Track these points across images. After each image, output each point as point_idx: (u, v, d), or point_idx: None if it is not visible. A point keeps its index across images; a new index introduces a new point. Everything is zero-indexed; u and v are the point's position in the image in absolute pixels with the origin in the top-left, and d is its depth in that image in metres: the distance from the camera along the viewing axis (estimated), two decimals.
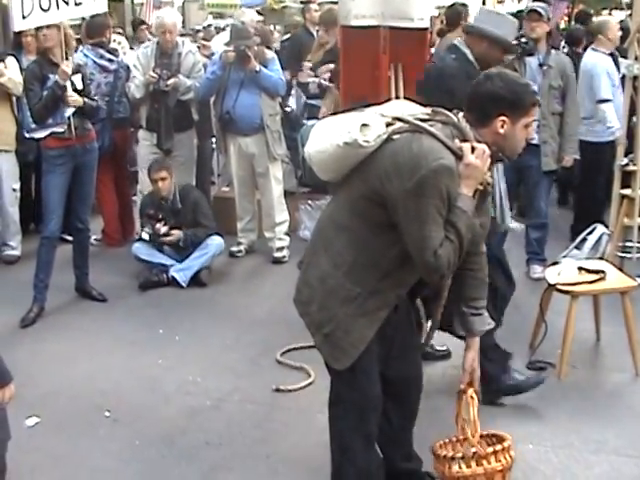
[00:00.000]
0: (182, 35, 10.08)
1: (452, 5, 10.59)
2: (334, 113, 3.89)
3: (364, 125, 3.37)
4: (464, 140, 3.39)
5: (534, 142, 7.08)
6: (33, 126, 7.11)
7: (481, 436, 3.86)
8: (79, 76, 6.88)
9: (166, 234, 7.69)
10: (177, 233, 7.68)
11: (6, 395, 3.51)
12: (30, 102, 6.86)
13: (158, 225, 7.72)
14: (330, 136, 3.46)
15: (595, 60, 8.20)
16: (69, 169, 6.87)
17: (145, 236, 7.74)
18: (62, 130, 6.77)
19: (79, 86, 6.85)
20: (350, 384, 3.68)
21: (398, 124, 3.43)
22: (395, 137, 3.41)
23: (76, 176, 6.96)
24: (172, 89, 8.20)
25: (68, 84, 6.67)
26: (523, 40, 7.06)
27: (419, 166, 3.25)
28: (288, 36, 12.39)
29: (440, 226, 3.32)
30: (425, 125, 3.38)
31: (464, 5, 10.66)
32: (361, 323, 3.56)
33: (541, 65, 7.28)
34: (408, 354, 3.97)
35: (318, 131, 3.57)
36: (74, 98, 6.70)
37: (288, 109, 9.13)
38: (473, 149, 3.37)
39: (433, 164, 3.25)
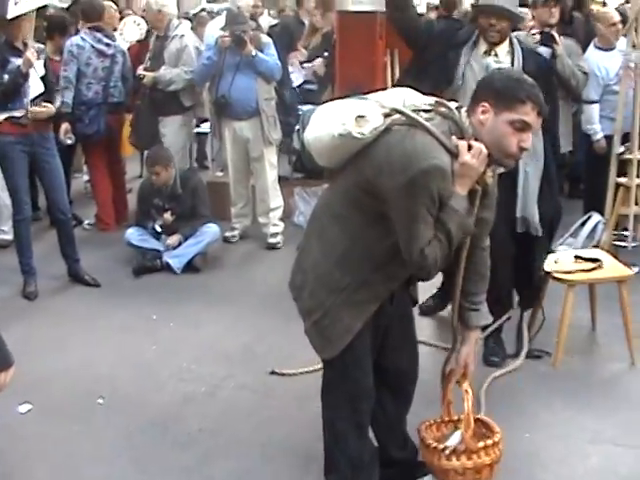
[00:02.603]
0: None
1: None
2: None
3: (360, 117, 3.32)
4: (462, 137, 3.34)
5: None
6: None
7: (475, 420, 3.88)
8: (41, 62, 6.84)
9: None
10: (177, 237, 7.67)
11: (7, 378, 3.46)
12: None
13: (166, 215, 7.70)
14: (327, 125, 3.41)
15: (588, 57, 8.08)
16: (27, 155, 6.81)
17: (158, 229, 7.74)
18: (20, 115, 6.70)
19: (40, 72, 6.80)
20: (342, 373, 3.65)
21: (396, 116, 3.36)
22: (392, 129, 3.35)
23: (39, 166, 6.96)
24: (151, 84, 8.30)
25: (32, 70, 6.62)
26: (546, 30, 7.05)
27: (410, 165, 3.19)
28: (276, 22, 12.34)
29: (429, 225, 3.27)
30: (422, 120, 3.30)
31: None
32: (348, 314, 3.53)
33: (553, 55, 7.16)
34: (404, 344, 3.94)
35: (317, 117, 3.53)
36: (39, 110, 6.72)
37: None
38: (470, 147, 3.30)
39: (424, 164, 3.18)
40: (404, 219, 3.27)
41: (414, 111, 3.37)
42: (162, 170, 7.57)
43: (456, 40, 5.40)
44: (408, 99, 3.50)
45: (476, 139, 3.31)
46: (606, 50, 7.81)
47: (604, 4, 13.11)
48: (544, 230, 5.50)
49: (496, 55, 5.34)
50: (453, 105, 3.45)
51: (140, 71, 8.46)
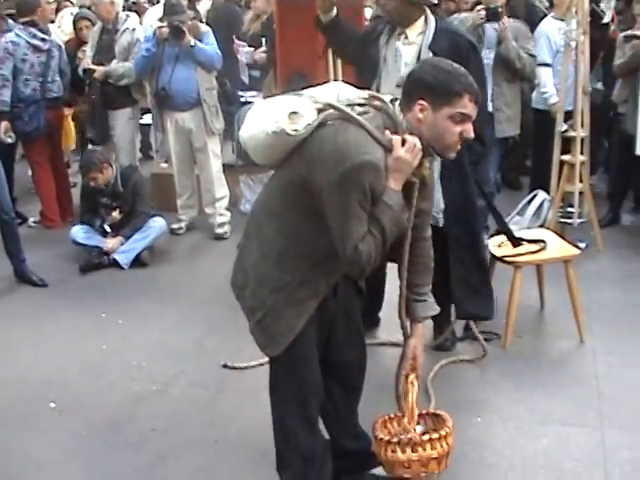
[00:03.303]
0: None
1: None
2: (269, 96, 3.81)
3: (294, 113, 3.30)
4: (396, 131, 3.33)
5: (488, 110, 7.11)
6: None
7: (423, 414, 3.90)
8: None
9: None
10: (118, 239, 7.59)
11: None
12: None
13: (114, 214, 7.64)
14: (261, 123, 3.38)
15: (542, 25, 8.17)
16: None
17: (107, 228, 7.66)
18: None
19: None
20: (288, 370, 3.64)
21: (330, 111, 3.35)
22: (326, 124, 3.33)
23: None
24: (103, 78, 8.24)
25: None
26: (492, 5, 7.05)
27: (342, 160, 3.17)
28: (209, 6, 12.26)
29: (362, 220, 3.26)
30: (355, 115, 3.28)
31: None
32: (290, 312, 3.51)
33: (497, 32, 7.20)
34: (351, 337, 3.93)
35: (251, 116, 3.50)
36: None
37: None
38: (404, 142, 3.29)
39: (356, 159, 3.16)
40: (337, 215, 3.25)
41: (348, 105, 3.36)
42: (97, 173, 7.49)
43: (375, 35, 5.40)
44: (342, 93, 3.49)
45: (410, 133, 3.30)
46: (562, 20, 7.87)
47: None
48: (460, 223, 5.31)
49: (406, 37, 5.31)
50: (387, 98, 3.43)
51: (89, 65, 8.37)
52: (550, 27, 8.01)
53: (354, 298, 3.92)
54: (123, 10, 9.42)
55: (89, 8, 9.46)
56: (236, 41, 9.76)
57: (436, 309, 3.90)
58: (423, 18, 5.30)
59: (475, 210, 5.47)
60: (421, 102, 3.27)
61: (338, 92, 3.49)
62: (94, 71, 8.35)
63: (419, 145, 3.28)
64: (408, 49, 5.26)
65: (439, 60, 3.45)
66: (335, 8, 5.58)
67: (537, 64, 7.93)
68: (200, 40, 7.86)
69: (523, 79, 7.60)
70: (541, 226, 6.66)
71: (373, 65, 5.27)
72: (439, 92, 3.26)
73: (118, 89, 8.45)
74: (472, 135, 3.35)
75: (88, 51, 8.56)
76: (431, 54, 5.08)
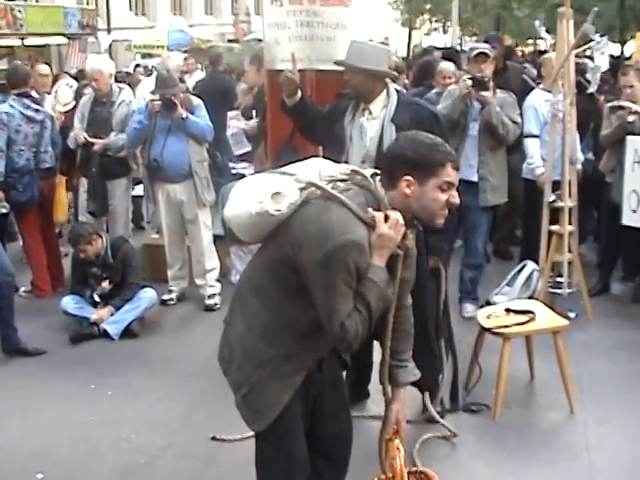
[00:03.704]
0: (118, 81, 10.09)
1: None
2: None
3: (276, 194, 3.35)
4: (378, 208, 3.37)
5: (473, 180, 7.16)
6: None
7: (410, 472, 3.89)
8: None
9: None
10: (107, 310, 7.56)
11: None
12: None
13: (104, 284, 7.64)
14: (244, 203, 3.44)
15: (530, 97, 8.29)
16: None
17: (97, 298, 7.65)
18: None
19: None
20: (274, 446, 3.64)
21: (312, 189, 3.40)
22: (309, 202, 3.39)
23: None
24: (102, 151, 8.29)
25: None
26: (478, 75, 7.14)
27: (326, 239, 3.22)
28: (200, 78, 12.41)
29: (348, 298, 3.30)
30: (337, 194, 3.34)
31: (386, 40, 10.78)
32: (276, 386, 3.53)
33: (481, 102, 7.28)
34: (337, 411, 3.93)
35: (235, 194, 3.55)
36: None
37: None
38: (387, 218, 3.34)
39: (340, 239, 3.21)
40: (323, 293, 3.30)
41: (330, 182, 3.42)
42: (87, 245, 7.53)
43: (339, 112, 5.52)
44: (324, 170, 3.54)
45: (393, 208, 3.35)
46: (550, 92, 7.96)
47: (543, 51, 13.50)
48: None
49: (370, 112, 5.43)
50: (368, 173, 3.49)
51: (86, 138, 8.41)
52: (538, 99, 8.12)
53: (339, 372, 3.94)
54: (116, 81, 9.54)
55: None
56: (229, 113, 9.86)
57: (417, 374, 3.94)
58: (385, 92, 5.42)
59: (426, 282, 5.36)
60: (407, 178, 3.34)
61: (320, 169, 3.54)
62: (92, 144, 8.40)
63: (401, 220, 3.33)
64: (372, 124, 5.40)
65: (414, 134, 3.50)
66: (300, 91, 5.70)
67: (524, 135, 8.04)
68: (192, 112, 7.95)
69: (504, 144, 7.50)
70: (531, 297, 6.68)
71: (339, 142, 5.39)
72: (423, 166, 3.33)
73: (115, 160, 8.52)
74: (457, 201, 3.43)
75: (77, 122, 8.61)
76: (394, 127, 5.21)
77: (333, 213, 3.28)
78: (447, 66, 9.26)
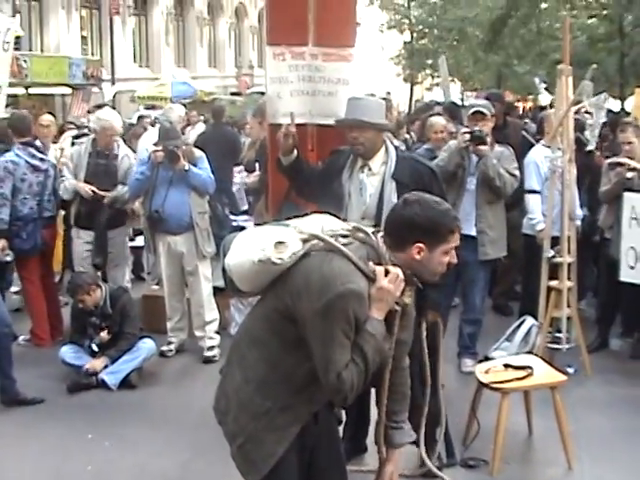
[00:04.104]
0: None
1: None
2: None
3: (280, 242, 3.40)
4: (379, 263, 3.41)
5: (471, 234, 7.19)
6: None
7: None
8: None
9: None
10: (101, 360, 7.52)
11: None
12: None
13: (102, 334, 7.62)
14: (247, 251, 3.50)
15: (531, 153, 8.36)
16: None
17: (95, 348, 7.62)
18: None
19: None
20: None
21: (314, 241, 3.45)
22: (311, 254, 3.43)
23: None
24: (110, 203, 8.32)
25: None
26: (476, 129, 7.21)
27: (327, 289, 3.27)
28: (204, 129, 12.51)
29: (346, 348, 3.34)
30: (339, 246, 3.41)
31: (388, 95, 10.87)
32: (271, 438, 3.55)
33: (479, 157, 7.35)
34: (332, 464, 3.92)
35: (237, 244, 3.60)
36: None
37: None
38: (387, 272, 3.38)
39: (341, 288, 3.27)
40: (321, 343, 3.33)
41: (332, 236, 3.47)
42: (85, 295, 7.55)
43: (337, 169, 5.55)
44: (326, 224, 3.60)
45: (393, 264, 3.39)
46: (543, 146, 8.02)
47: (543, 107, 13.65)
48: None
49: (370, 169, 5.48)
50: (370, 230, 3.54)
51: (94, 191, 8.38)
52: (539, 155, 8.19)
53: (335, 425, 3.96)
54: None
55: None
56: (235, 168, 9.95)
57: (412, 436, 3.96)
58: (384, 148, 5.47)
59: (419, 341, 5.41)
60: (419, 245, 3.42)
61: (322, 223, 3.60)
62: (102, 197, 8.40)
63: (401, 276, 3.37)
64: (372, 180, 5.43)
65: (422, 198, 3.54)
66: (296, 150, 5.73)
67: (525, 191, 8.09)
68: (194, 164, 8.00)
69: (502, 197, 7.52)
70: (529, 352, 6.68)
71: (338, 199, 5.41)
72: (434, 233, 3.43)
73: (117, 210, 8.55)
74: (455, 260, 3.52)
75: (69, 173, 8.49)
76: (394, 183, 5.24)
77: (335, 264, 3.35)
78: (438, 120, 9.37)
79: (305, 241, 3.46)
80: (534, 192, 8.17)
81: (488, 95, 10.24)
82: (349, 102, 5.57)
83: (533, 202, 8.17)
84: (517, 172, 7.50)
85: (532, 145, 8.78)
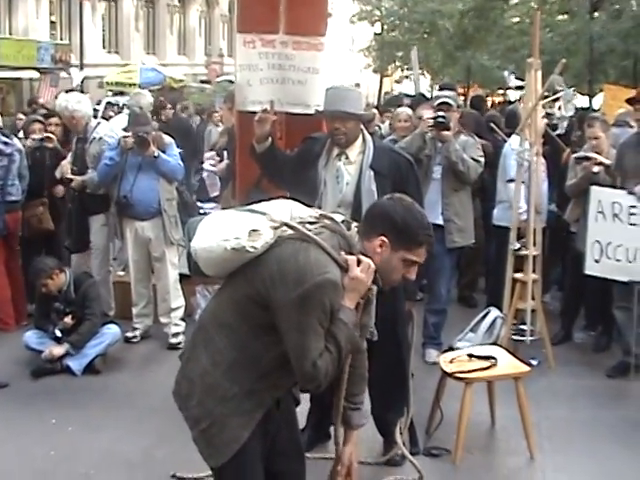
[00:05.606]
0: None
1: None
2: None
3: (254, 231, 3.40)
4: (350, 252, 3.43)
5: (438, 222, 7.21)
6: None
7: None
8: None
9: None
10: (62, 347, 7.44)
11: None
12: None
13: (66, 319, 7.55)
14: (217, 236, 3.47)
15: (510, 143, 8.39)
16: None
17: (58, 333, 7.55)
18: None
19: None
20: None
21: (285, 229, 3.46)
22: (283, 241, 3.44)
23: None
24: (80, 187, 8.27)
25: None
26: (440, 114, 7.27)
27: (304, 279, 3.29)
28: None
29: (320, 337, 3.36)
30: (313, 235, 3.42)
31: (357, 87, 10.89)
32: (236, 422, 3.55)
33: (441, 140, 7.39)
34: (289, 448, 3.94)
35: (206, 227, 3.58)
36: None
37: None
38: (359, 262, 3.40)
39: (318, 278, 3.29)
40: (295, 332, 3.34)
41: (301, 223, 3.47)
42: (48, 280, 7.48)
43: (312, 157, 5.54)
44: (294, 211, 3.61)
45: (364, 254, 3.42)
46: None
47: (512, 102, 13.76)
48: (388, 337, 4.91)
49: (347, 157, 5.48)
50: (338, 218, 3.55)
51: (68, 175, 8.42)
52: (516, 144, 8.20)
53: (294, 410, 3.99)
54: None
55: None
56: (205, 154, 9.92)
57: (369, 417, 4.00)
58: (361, 137, 5.48)
59: (404, 325, 5.54)
60: (383, 238, 3.45)
61: (291, 209, 3.61)
62: (71, 180, 8.41)
63: (373, 266, 3.40)
64: (349, 168, 5.43)
65: (411, 204, 3.56)
66: (270, 138, 5.73)
67: (507, 180, 8.11)
68: (163, 151, 7.98)
69: (467, 183, 7.61)
70: (494, 343, 6.72)
71: (312, 187, 5.40)
72: (403, 235, 3.45)
73: (95, 196, 8.49)
74: (414, 278, 3.59)
75: (68, 159, 8.64)
76: (372, 172, 5.26)
77: (311, 253, 3.37)
78: (403, 109, 9.68)
79: (276, 229, 3.47)
80: (512, 181, 8.18)
81: (442, 85, 10.35)
82: (328, 92, 5.55)
83: (513, 190, 8.18)
84: (482, 159, 7.57)
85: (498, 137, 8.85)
